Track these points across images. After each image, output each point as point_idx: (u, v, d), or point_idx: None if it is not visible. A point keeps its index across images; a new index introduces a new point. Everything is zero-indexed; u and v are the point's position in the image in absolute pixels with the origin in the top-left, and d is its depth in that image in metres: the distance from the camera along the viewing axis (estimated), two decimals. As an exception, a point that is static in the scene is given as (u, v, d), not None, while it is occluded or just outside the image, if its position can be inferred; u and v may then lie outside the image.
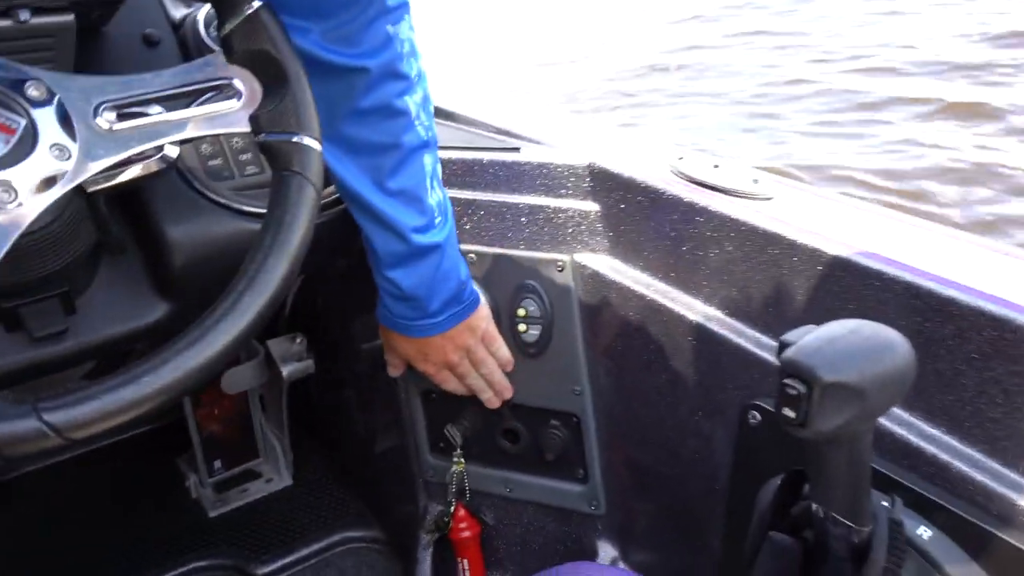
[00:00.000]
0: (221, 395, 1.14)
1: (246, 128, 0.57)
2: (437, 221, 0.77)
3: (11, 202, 0.49)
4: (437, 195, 0.78)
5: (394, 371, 0.92)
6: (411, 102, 0.72)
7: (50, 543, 1.14)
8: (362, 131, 0.71)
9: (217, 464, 1.20)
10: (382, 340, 0.89)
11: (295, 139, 0.56)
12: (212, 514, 1.18)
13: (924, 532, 0.56)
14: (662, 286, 0.78)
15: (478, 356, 0.86)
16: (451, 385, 0.88)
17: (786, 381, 0.46)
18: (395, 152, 0.73)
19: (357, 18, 0.66)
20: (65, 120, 0.51)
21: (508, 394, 0.89)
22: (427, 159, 0.76)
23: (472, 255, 0.88)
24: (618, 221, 0.81)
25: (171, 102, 0.55)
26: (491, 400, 0.89)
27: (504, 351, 0.88)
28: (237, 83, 0.57)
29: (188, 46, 0.75)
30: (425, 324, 0.81)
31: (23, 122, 0.51)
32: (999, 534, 0.53)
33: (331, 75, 0.67)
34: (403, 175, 0.74)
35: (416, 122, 0.73)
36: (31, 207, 0.50)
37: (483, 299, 0.85)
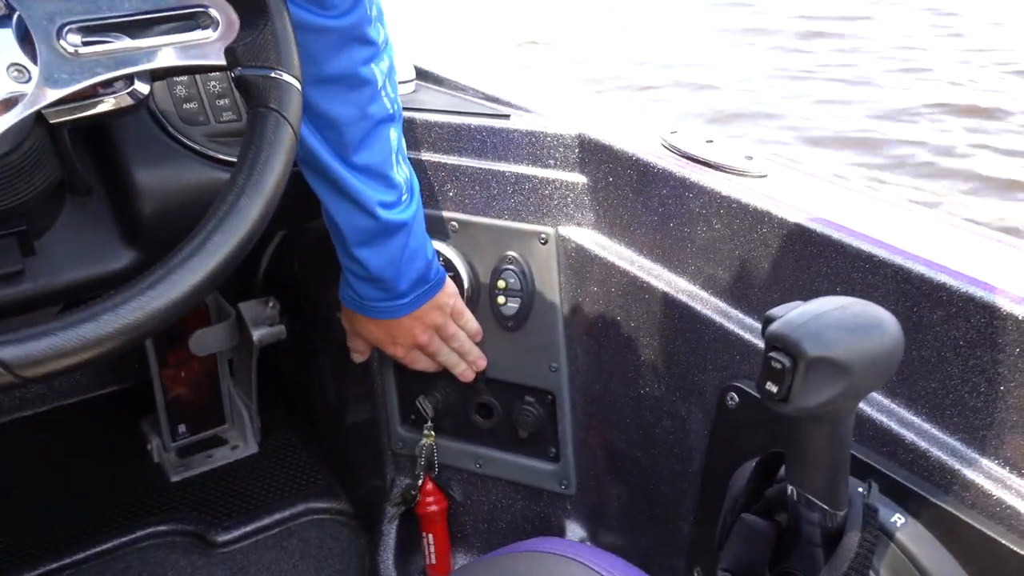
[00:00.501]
0: (189, 357, 1.11)
1: (221, 61, 0.54)
2: (403, 198, 0.76)
3: None
4: (404, 171, 0.76)
5: (359, 357, 0.90)
6: (377, 70, 0.70)
7: (6, 503, 1.11)
8: (327, 101, 0.68)
9: (182, 428, 1.17)
10: (345, 326, 0.87)
11: (273, 74, 0.53)
12: (174, 479, 1.15)
13: (898, 519, 0.55)
14: (646, 263, 0.76)
15: (448, 331, 0.84)
16: (421, 364, 0.86)
17: (771, 355, 0.45)
18: (361, 124, 0.70)
19: None
20: (25, 39, 0.48)
21: (482, 364, 0.88)
22: (392, 133, 0.74)
23: (454, 223, 0.85)
24: (605, 194, 0.79)
25: (142, 29, 0.52)
26: (465, 373, 0.87)
27: (473, 323, 0.86)
28: (213, 12, 0.54)
29: None
30: (393, 305, 0.80)
31: None
32: (974, 524, 0.52)
33: (297, 34, 0.64)
34: (369, 149, 0.72)
35: (382, 93, 0.71)
36: None
37: (448, 276, 0.84)
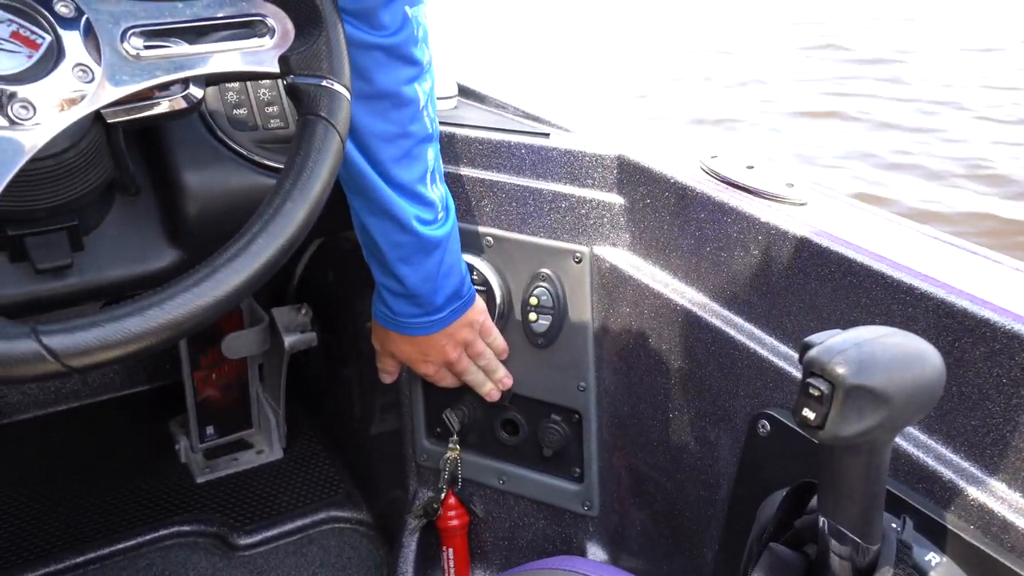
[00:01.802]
0: (221, 359, 1.13)
1: (275, 68, 0.55)
2: (440, 216, 0.77)
3: (28, 119, 0.48)
4: (439, 190, 0.77)
5: (387, 378, 0.90)
6: (420, 90, 0.71)
7: (34, 495, 1.13)
8: (371, 117, 0.70)
9: (210, 430, 1.18)
10: (376, 346, 0.88)
11: (325, 83, 0.55)
12: (199, 480, 1.17)
13: (933, 558, 0.54)
14: (681, 286, 0.76)
15: (476, 349, 0.85)
16: (448, 382, 0.87)
17: (808, 380, 0.44)
18: (401, 142, 0.72)
19: None
20: (91, 41, 0.50)
21: (508, 383, 0.88)
22: (430, 152, 0.75)
23: (489, 238, 0.86)
24: (642, 216, 0.79)
25: (200, 35, 0.53)
26: (491, 392, 0.88)
27: (500, 341, 0.86)
28: (270, 21, 0.55)
29: None
30: (428, 321, 0.80)
31: (48, 39, 0.49)
32: (1012, 566, 0.51)
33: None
34: (407, 167, 0.73)
35: (424, 113, 0.73)
36: (48, 127, 0.49)
37: (481, 291, 0.85)
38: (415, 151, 0.73)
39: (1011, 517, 0.52)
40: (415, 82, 0.71)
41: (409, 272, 0.76)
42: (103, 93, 0.50)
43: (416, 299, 0.79)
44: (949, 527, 0.54)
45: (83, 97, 0.49)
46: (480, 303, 0.85)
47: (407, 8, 0.68)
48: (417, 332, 0.82)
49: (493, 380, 0.87)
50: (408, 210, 0.74)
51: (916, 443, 0.58)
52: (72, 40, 0.50)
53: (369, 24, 0.66)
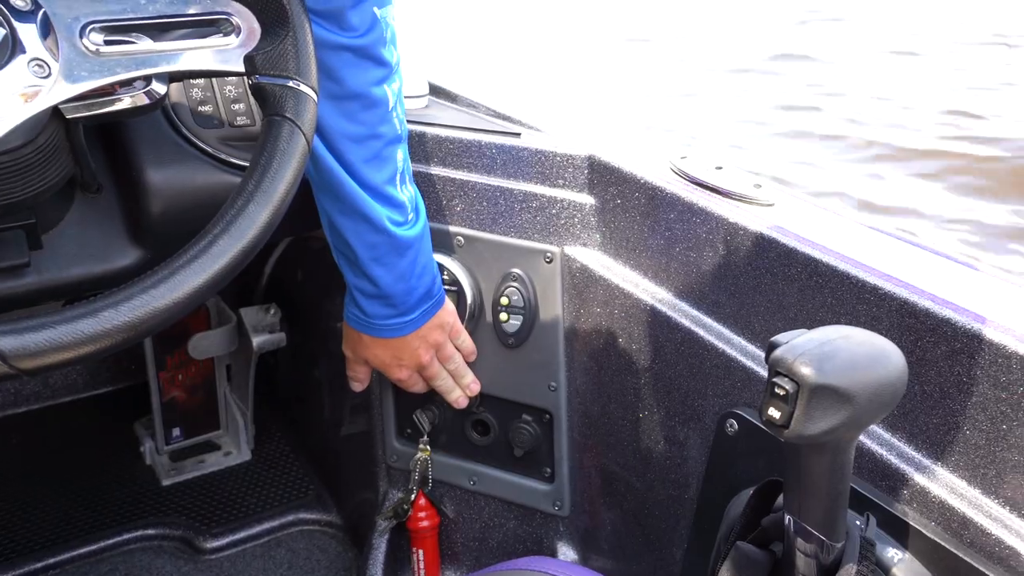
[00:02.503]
0: (187, 360, 1.11)
1: (239, 67, 0.54)
2: (410, 217, 0.77)
3: None
4: (408, 190, 0.77)
5: (358, 386, 0.90)
6: (389, 91, 0.71)
7: None
8: (340, 119, 0.69)
9: (176, 432, 1.16)
10: (347, 352, 0.87)
11: (291, 83, 0.54)
12: (165, 483, 1.15)
13: (896, 555, 0.54)
14: (651, 286, 0.76)
15: (446, 352, 0.85)
16: (419, 387, 0.87)
17: (774, 380, 0.45)
18: (371, 143, 0.71)
19: None
20: (49, 36, 0.49)
21: (476, 389, 0.88)
22: (400, 154, 0.75)
23: (460, 238, 0.85)
24: (612, 216, 0.79)
25: (163, 32, 0.52)
26: (459, 400, 0.87)
27: (469, 343, 0.86)
28: (235, 19, 0.54)
29: None
30: (401, 322, 0.80)
31: (2, 32, 0.48)
32: (972, 563, 0.52)
33: (318, 51, 0.65)
34: (377, 168, 0.72)
35: (393, 113, 0.72)
36: (2, 122, 0.47)
37: (452, 291, 0.85)
38: (384, 152, 0.73)
39: (971, 513, 0.53)
40: (384, 83, 0.71)
41: (382, 273, 0.76)
42: (60, 89, 0.49)
43: (389, 300, 0.78)
44: (911, 524, 0.55)
45: (39, 92, 0.48)
46: (450, 304, 0.84)
47: (376, 9, 0.67)
48: (390, 334, 0.81)
49: (461, 386, 0.87)
50: (380, 210, 0.73)
51: (879, 441, 0.58)
52: (28, 33, 0.48)
53: (338, 25, 0.65)
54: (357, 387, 0.90)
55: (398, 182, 0.75)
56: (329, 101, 0.68)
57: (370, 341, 0.82)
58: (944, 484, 0.55)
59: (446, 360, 0.85)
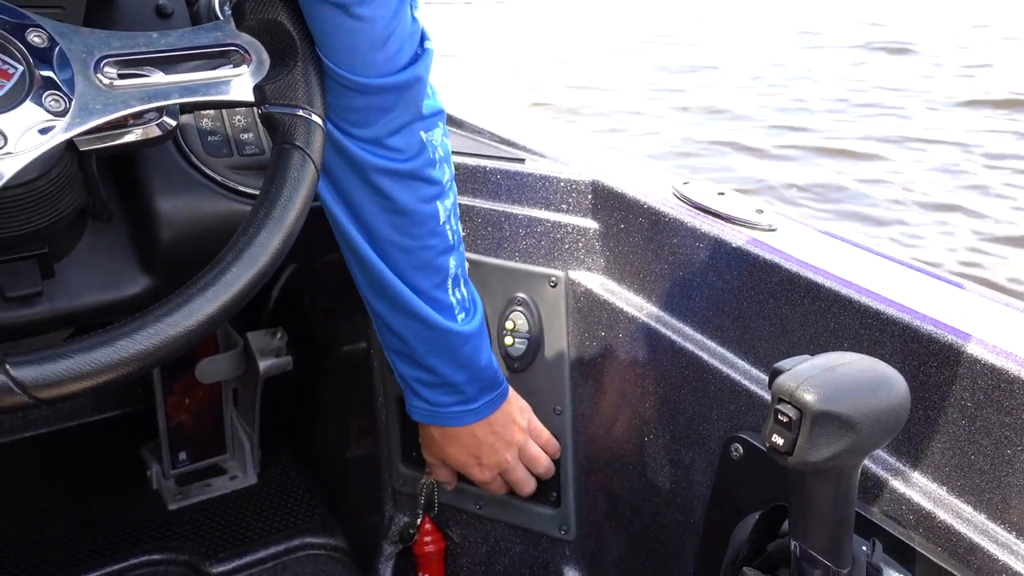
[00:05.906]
0: (194, 384, 1.12)
1: (249, 97, 0.55)
2: (460, 317, 0.76)
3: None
4: (461, 292, 0.77)
5: (448, 487, 0.90)
6: (441, 207, 0.72)
7: (2, 521, 1.10)
8: (390, 230, 0.70)
9: (182, 456, 1.17)
10: (426, 456, 0.86)
11: (300, 112, 0.55)
12: (172, 507, 1.15)
13: None
14: (654, 310, 0.77)
15: (530, 453, 0.83)
16: (501, 490, 0.85)
17: (777, 407, 0.45)
18: (421, 254, 0.72)
19: (392, 123, 0.65)
20: (64, 71, 0.50)
21: (549, 476, 0.86)
22: (452, 261, 0.75)
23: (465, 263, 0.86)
24: (616, 241, 0.80)
25: (175, 64, 0.53)
26: (530, 491, 0.86)
27: (554, 443, 0.85)
28: (245, 51, 0.55)
29: (201, 21, 0.74)
30: (464, 410, 0.79)
31: (20, 68, 0.49)
32: None
33: (364, 173, 0.67)
34: (426, 275, 0.73)
35: (445, 227, 0.73)
36: (19, 156, 0.49)
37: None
38: (435, 261, 0.73)
39: (977, 539, 0.53)
40: (435, 200, 0.71)
41: (440, 363, 0.76)
42: (75, 122, 0.50)
43: (452, 387, 0.77)
44: (917, 549, 0.55)
45: (55, 127, 0.49)
46: (521, 402, 0.83)
47: (423, 133, 0.68)
48: (456, 422, 0.80)
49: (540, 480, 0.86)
50: (430, 310, 0.74)
51: (884, 466, 0.59)
52: (45, 70, 0.50)
53: (384, 148, 0.66)
54: (447, 488, 0.90)
55: (450, 287, 0.75)
56: (380, 213, 0.69)
57: (441, 438, 0.81)
58: (950, 509, 0.55)
59: (531, 462, 0.84)
